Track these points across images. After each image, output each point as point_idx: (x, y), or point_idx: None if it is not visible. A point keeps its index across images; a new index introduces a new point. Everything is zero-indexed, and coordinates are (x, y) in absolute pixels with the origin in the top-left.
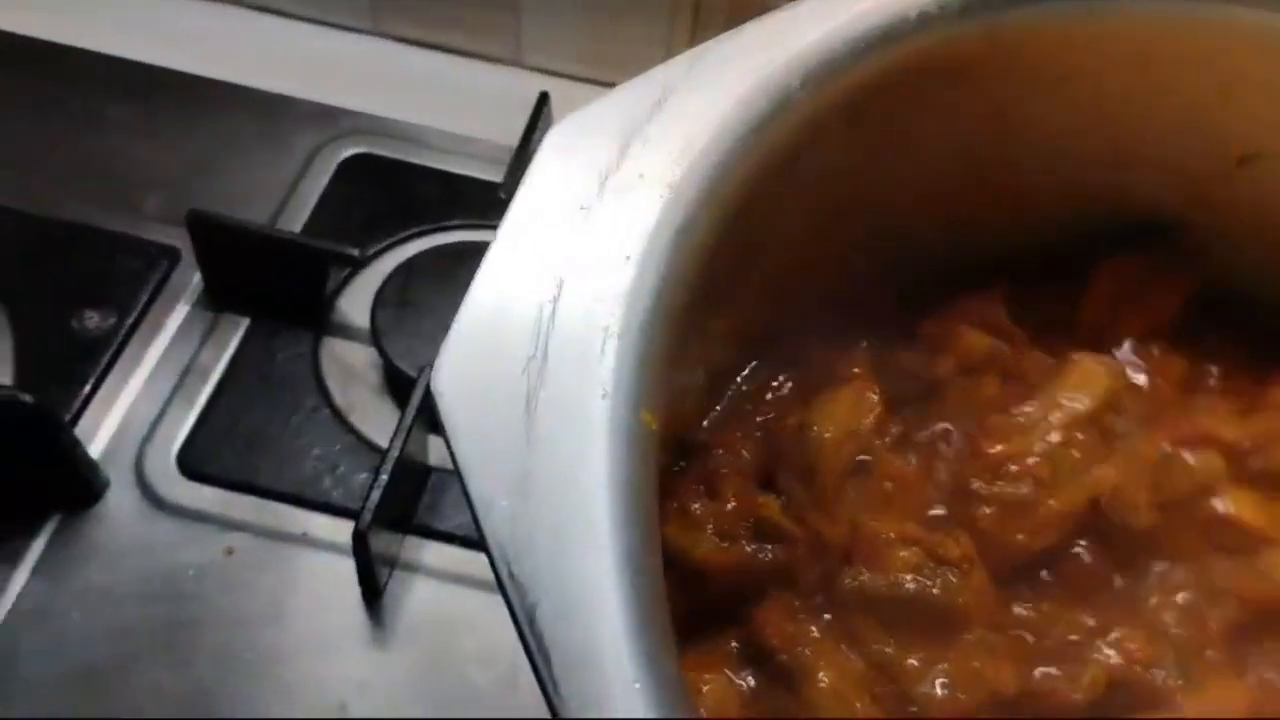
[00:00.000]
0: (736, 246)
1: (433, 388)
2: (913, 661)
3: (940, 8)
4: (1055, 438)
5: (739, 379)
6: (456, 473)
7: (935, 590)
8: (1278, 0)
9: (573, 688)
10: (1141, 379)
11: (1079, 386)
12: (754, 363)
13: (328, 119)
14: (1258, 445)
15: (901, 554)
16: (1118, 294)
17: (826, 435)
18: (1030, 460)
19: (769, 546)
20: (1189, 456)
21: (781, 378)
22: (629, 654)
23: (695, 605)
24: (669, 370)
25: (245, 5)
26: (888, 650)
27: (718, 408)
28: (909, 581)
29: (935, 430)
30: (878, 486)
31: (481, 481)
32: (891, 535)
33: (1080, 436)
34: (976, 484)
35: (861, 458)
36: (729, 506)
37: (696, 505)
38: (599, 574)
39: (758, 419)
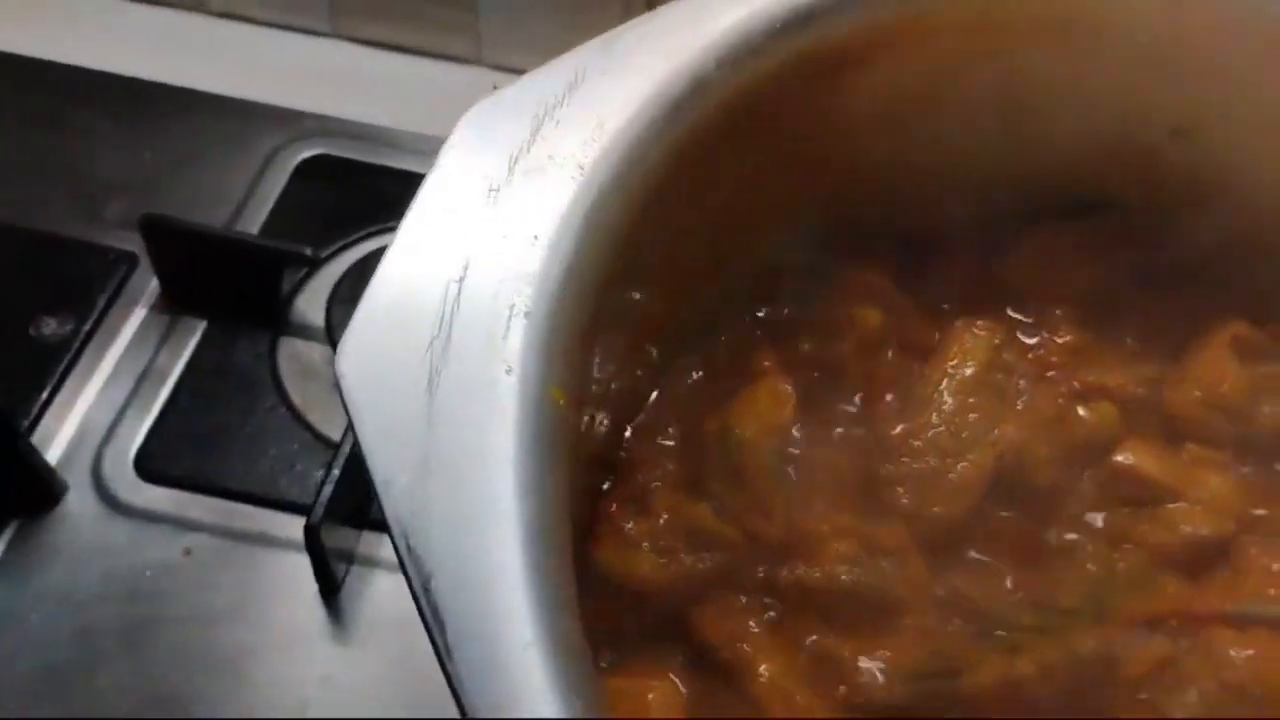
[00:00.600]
0: (650, 230)
1: (336, 369)
2: (851, 651)
3: None
4: (949, 405)
5: (656, 386)
6: (358, 451)
7: (871, 580)
8: None
9: (465, 653)
10: (1034, 339)
11: (962, 353)
12: (667, 367)
13: (287, 121)
14: (1152, 394)
15: (837, 546)
16: (1036, 264)
17: (747, 435)
18: (931, 433)
19: (706, 554)
20: (1083, 410)
21: (696, 376)
22: (525, 617)
23: (644, 622)
24: (581, 352)
25: (206, 11)
26: (827, 641)
27: (639, 418)
28: (844, 574)
29: (847, 412)
30: (806, 478)
31: (382, 459)
32: (826, 529)
33: (973, 400)
34: (886, 468)
35: (789, 450)
36: (662, 520)
37: (629, 524)
38: (496, 543)
39: (677, 426)
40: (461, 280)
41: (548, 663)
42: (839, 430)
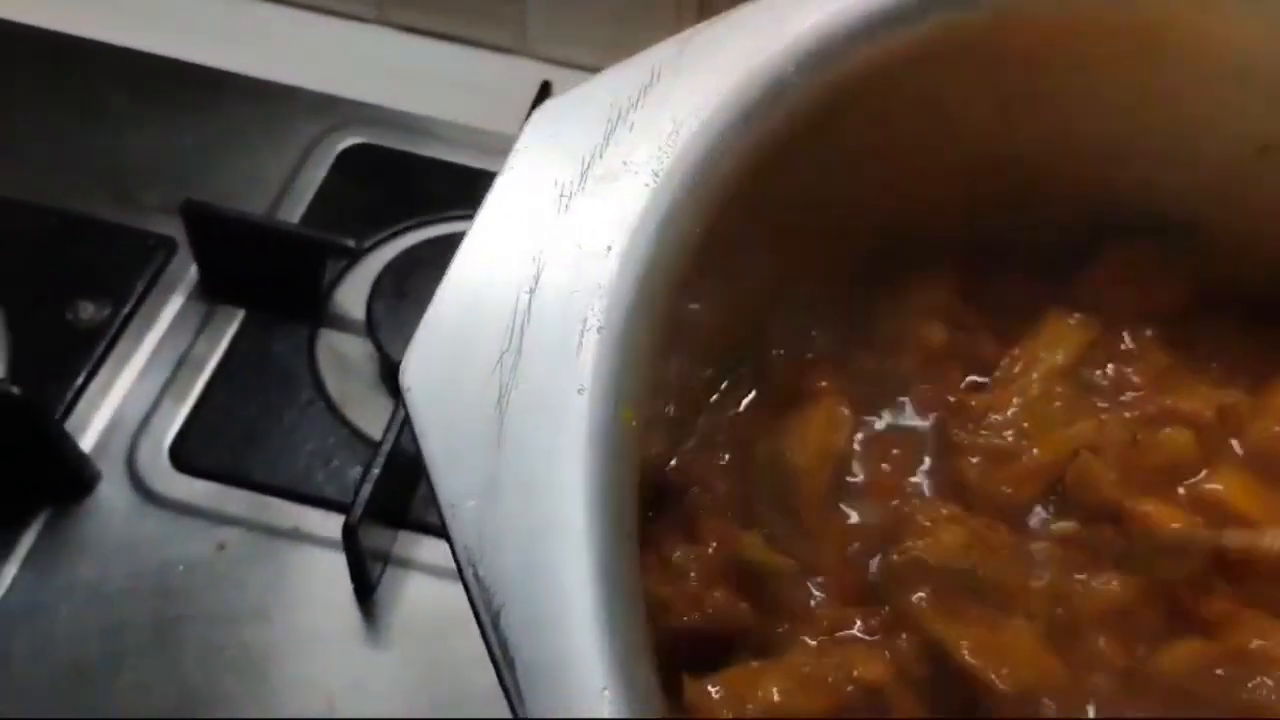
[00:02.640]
0: (717, 241)
1: (401, 382)
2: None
3: None
4: (1035, 390)
5: (710, 402)
6: (424, 470)
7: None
8: None
9: (538, 696)
10: (1127, 345)
11: (1054, 340)
12: (724, 382)
13: (329, 108)
14: (1230, 423)
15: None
16: (1117, 281)
17: (800, 461)
18: (1010, 411)
19: (743, 605)
20: (1159, 434)
21: (750, 396)
22: (599, 661)
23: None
24: (652, 370)
25: None
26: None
27: (690, 441)
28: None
29: (910, 430)
30: (865, 504)
31: (449, 480)
32: (941, 512)
33: (1058, 389)
34: (959, 435)
35: (848, 477)
36: (710, 549)
37: (676, 553)
38: (570, 578)
39: (730, 448)
40: (532, 291)
41: (621, 710)
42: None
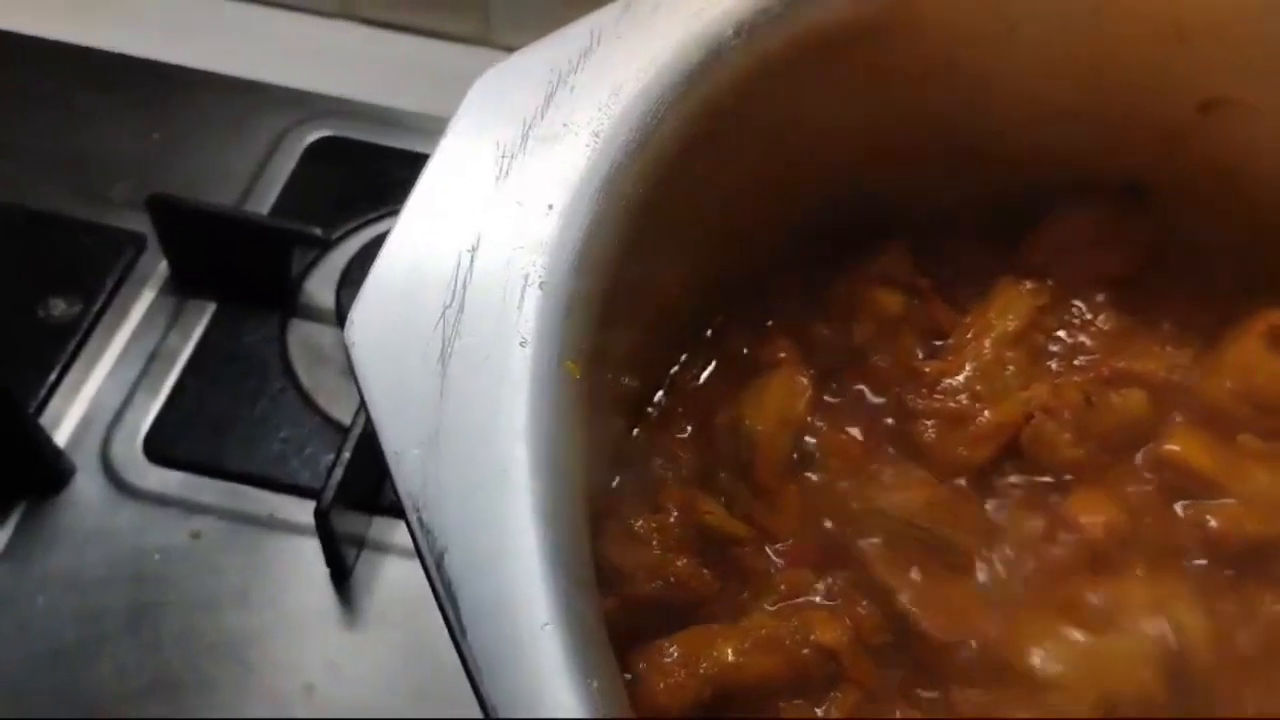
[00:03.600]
0: (665, 202)
1: (346, 338)
2: None
3: None
4: (988, 355)
5: (669, 374)
6: (369, 422)
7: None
8: None
9: (480, 631)
10: (1080, 309)
11: (1005, 307)
12: (680, 353)
13: (296, 102)
14: (1186, 381)
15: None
16: (1067, 245)
17: (759, 428)
18: (963, 376)
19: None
20: (1114, 396)
21: (710, 364)
22: (540, 596)
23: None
24: (597, 326)
25: None
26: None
27: (650, 409)
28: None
29: (867, 396)
30: (826, 468)
31: (394, 431)
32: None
33: (1010, 354)
34: (914, 400)
35: (807, 439)
36: (671, 518)
37: (639, 522)
38: (511, 519)
39: (691, 417)
40: (474, 250)
41: (564, 643)
42: (858, 411)
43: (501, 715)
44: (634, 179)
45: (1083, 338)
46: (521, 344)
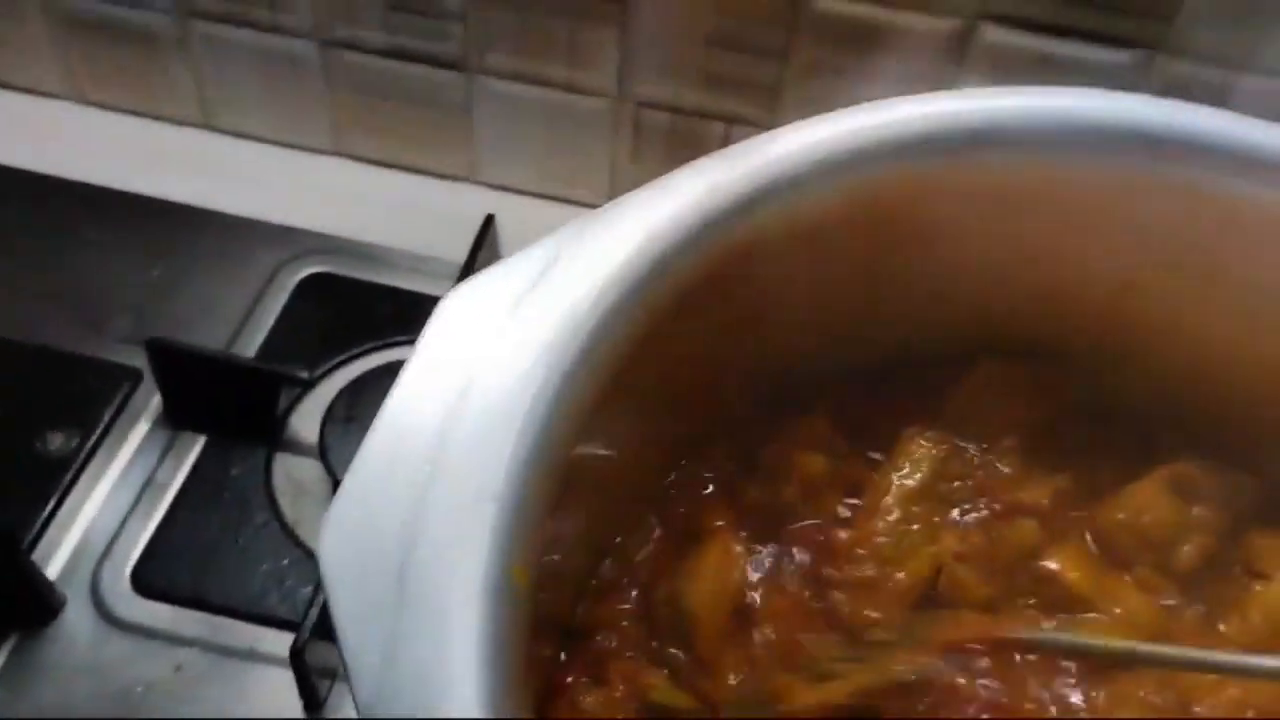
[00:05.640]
0: (615, 402)
1: (317, 549)
2: None
3: (812, 169)
4: (894, 515)
5: (615, 545)
6: (333, 630)
7: None
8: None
9: None
10: (984, 455)
11: (909, 462)
12: (627, 528)
13: (289, 239)
14: (1079, 515)
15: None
16: (984, 398)
17: (694, 601)
18: (877, 540)
19: None
20: (1008, 528)
21: (654, 535)
22: None
23: None
24: (546, 529)
25: (213, 128)
26: None
27: (593, 581)
28: None
29: (794, 557)
30: (763, 633)
31: (353, 640)
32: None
33: (917, 509)
34: (829, 571)
35: (749, 596)
36: (618, 693)
37: (587, 698)
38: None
39: (635, 588)
40: (435, 462)
41: None
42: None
43: None
44: (584, 386)
45: (986, 481)
46: (474, 555)
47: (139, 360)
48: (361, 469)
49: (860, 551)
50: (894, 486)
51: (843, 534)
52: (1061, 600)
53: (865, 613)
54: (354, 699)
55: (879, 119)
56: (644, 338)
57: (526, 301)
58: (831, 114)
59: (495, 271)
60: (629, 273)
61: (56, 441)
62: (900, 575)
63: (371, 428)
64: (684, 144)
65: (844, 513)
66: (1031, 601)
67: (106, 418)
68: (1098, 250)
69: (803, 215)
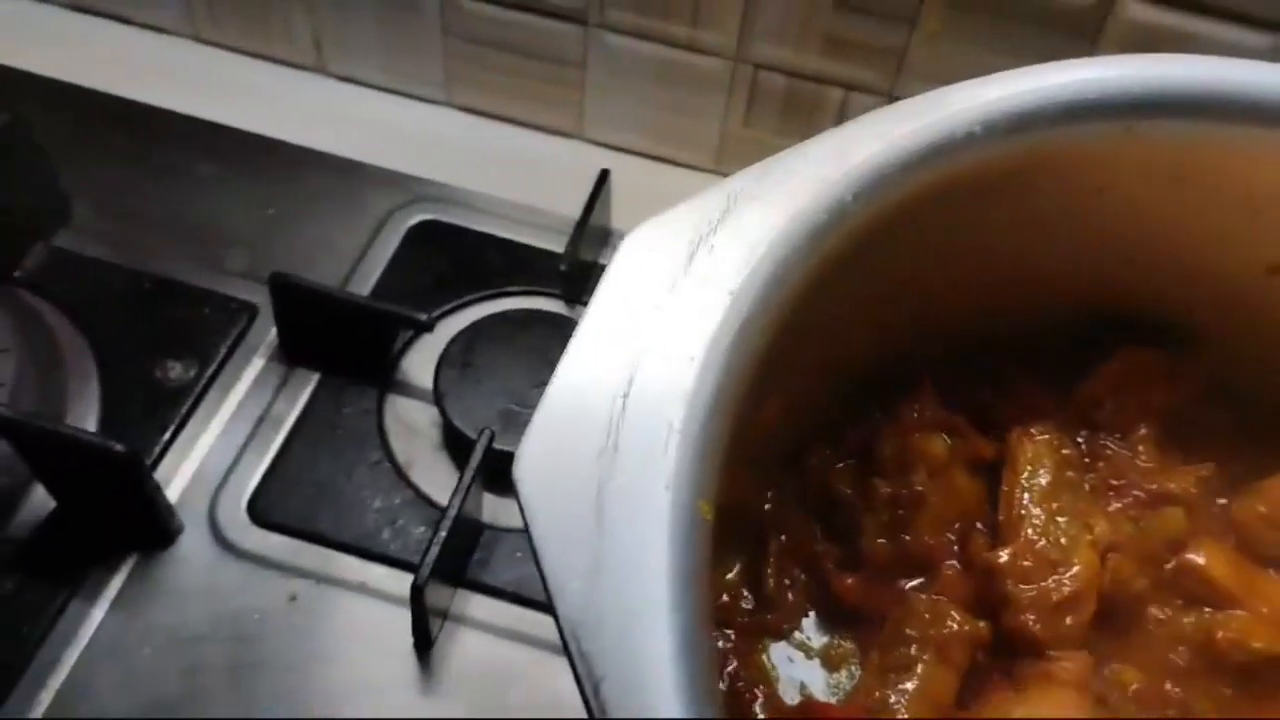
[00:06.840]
0: (783, 351)
1: (514, 475)
2: None
3: (984, 128)
4: (1039, 517)
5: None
6: (533, 553)
7: None
8: None
9: None
10: (1114, 445)
11: (1029, 462)
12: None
13: (400, 185)
14: (1220, 505)
15: None
16: (1121, 384)
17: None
18: (1035, 549)
19: None
20: (1156, 515)
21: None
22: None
23: None
24: (725, 469)
25: (328, 74)
26: None
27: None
28: None
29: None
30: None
31: (556, 564)
32: None
33: (1057, 505)
34: (1004, 590)
35: None
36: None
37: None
38: (658, 654)
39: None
40: (626, 396)
41: None
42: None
43: None
44: (763, 330)
45: (1123, 468)
46: (665, 487)
47: (255, 295)
48: (554, 400)
49: (1026, 564)
50: (1023, 491)
51: (1001, 557)
52: (1207, 595)
53: (1064, 620)
54: (556, 621)
55: (1058, 78)
56: (818, 286)
57: (707, 242)
58: (1002, 74)
59: (678, 212)
60: (808, 218)
61: (175, 370)
62: (1073, 572)
63: (565, 354)
64: (798, 111)
65: (971, 493)
66: (1178, 601)
67: (224, 350)
68: (1259, 231)
69: (972, 172)
